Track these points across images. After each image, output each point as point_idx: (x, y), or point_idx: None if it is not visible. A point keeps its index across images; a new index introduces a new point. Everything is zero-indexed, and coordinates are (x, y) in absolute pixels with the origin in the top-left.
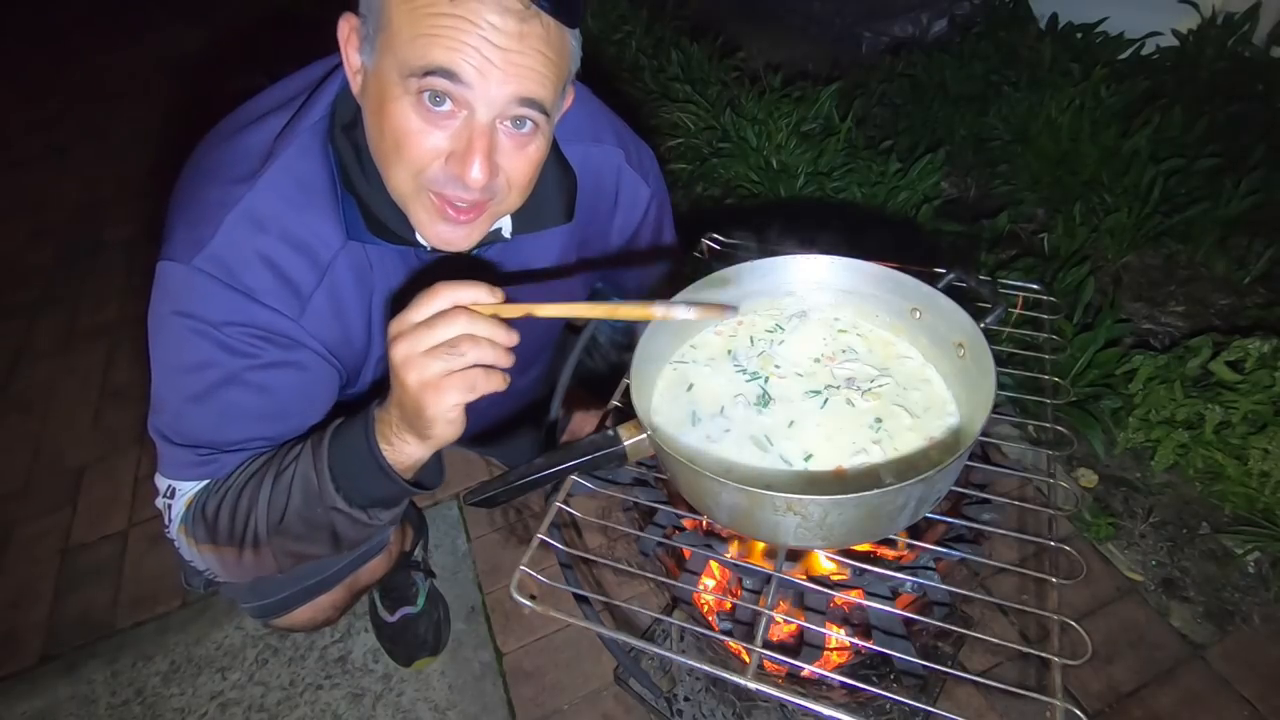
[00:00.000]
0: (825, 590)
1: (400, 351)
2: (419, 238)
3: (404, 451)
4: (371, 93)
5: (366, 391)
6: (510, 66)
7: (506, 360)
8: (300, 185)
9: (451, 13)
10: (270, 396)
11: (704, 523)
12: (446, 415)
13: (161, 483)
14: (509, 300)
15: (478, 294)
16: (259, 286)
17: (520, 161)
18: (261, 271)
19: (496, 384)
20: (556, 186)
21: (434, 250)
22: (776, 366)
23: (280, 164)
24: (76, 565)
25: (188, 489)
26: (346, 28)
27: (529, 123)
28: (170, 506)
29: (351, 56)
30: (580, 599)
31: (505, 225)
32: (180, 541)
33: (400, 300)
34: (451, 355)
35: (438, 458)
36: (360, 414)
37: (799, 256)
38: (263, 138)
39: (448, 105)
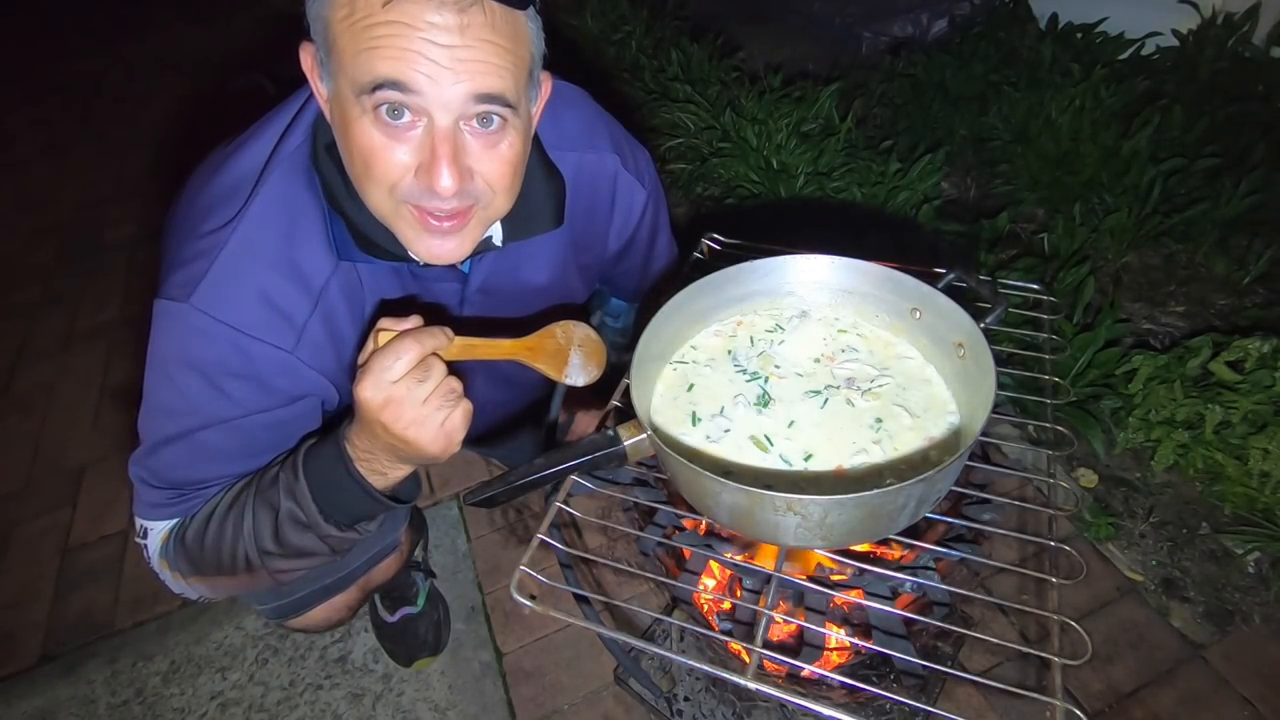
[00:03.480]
0: (825, 590)
1: (395, 414)
2: (411, 253)
3: (392, 476)
4: (336, 117)
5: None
6: (459, 64)
7: None
8: (287, 212)
9: (387, 19)
10: (249, 439)
11: (704, 523)
12: (456, 447)
13: (136, 522)
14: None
15: (439, 340)
16: (253, 322)
17: (494, 162)
18: (256, 306)
19: (471, 405)
20: (545, 192)
21: (426, 265)
22: (776, 366)
23: (266, 193)
24: (76, 565)
25: (160, 527)
26: (308, 58)
27: (495, 119)
28: (146, 546)
29: (317, 85)
30: (580, 599)
31: (496, 233)
32: (164, 575)
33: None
34: (448, 398)
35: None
36: (329, 445)
37: (799, 256)
38: (249, 168)
39: (406, 116)
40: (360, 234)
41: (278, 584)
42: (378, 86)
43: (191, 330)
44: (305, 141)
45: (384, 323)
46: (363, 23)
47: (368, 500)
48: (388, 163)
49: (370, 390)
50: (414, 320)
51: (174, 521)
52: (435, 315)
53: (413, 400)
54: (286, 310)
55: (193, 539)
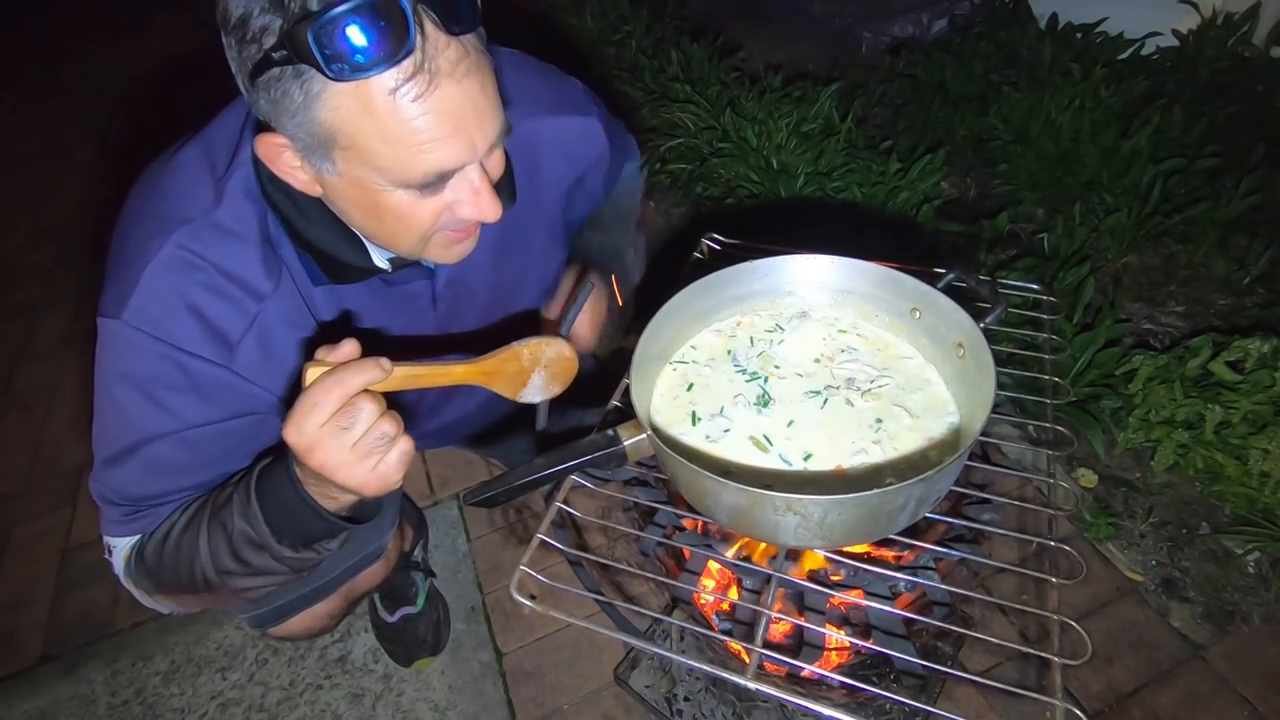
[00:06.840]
0: (825, 590)
1: (322, 459)
2: (376, 261)
3: (342, 500)
4: (343, 191)
5: None
6: (482, 117)
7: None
8: (226, 232)
9: (424, 113)
10: (196, 452)
11: (703, 523)
12: (395, 485)
13: (104, 539)
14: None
15: (370, 375)
16: (186, 337)
17: (497, 164)
18: (187, 320)
19: (411, 443)
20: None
21: (397, 270)
22: (776, 366)
23: (205, 211)
24: (76, 565)
25: (123, 544)
26: (270, 147)
27: None
28: (113, 564)
29: (284, 162)
30: (593, 593)
31: None
32: (133, 591)
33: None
34: (378, 443)
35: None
36: (280, 466)
37: (799, 256)
38: (187, 184)
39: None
40: (329, 260)
41: (244, 601)
42: (429, 183)
43: (126, 346)
44: (248, 163)
45: (319, 353)
46: (397, 123)
47: (321, 522)
48: (428, 217)
49: (294, 435)
50: (348, 349)
51: (135, 539)
52: (407, 323)
53: (338, 446)
54: (219, 326)
55: (151, 558)
